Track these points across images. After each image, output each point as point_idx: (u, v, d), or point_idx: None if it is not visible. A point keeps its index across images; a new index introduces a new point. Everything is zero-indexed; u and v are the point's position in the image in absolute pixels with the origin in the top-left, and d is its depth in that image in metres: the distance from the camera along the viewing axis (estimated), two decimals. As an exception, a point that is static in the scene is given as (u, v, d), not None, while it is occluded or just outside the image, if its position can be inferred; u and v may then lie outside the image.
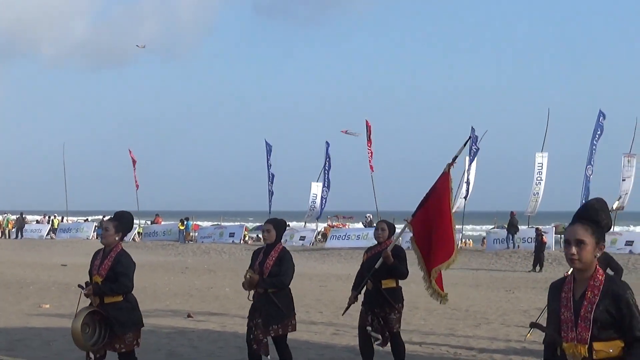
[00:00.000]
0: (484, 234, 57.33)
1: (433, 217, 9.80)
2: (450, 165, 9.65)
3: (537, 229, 36.91)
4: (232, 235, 49.80)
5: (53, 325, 15.35)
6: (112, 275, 8.52)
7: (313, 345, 13.39)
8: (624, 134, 45.41)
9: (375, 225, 10.99)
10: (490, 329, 15.68)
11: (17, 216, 59.60)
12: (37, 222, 63.16)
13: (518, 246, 39.99)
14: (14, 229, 58.21)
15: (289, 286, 9.68)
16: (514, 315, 18.08)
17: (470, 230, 69.19)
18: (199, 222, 60.55)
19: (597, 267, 5.03)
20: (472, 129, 44.31)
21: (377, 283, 10.13)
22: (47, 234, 57.03)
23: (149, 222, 59.45)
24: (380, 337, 10.22)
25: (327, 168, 49.99)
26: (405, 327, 15.88)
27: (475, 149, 44.53)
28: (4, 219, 60.24)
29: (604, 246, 5.11)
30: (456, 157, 9.65)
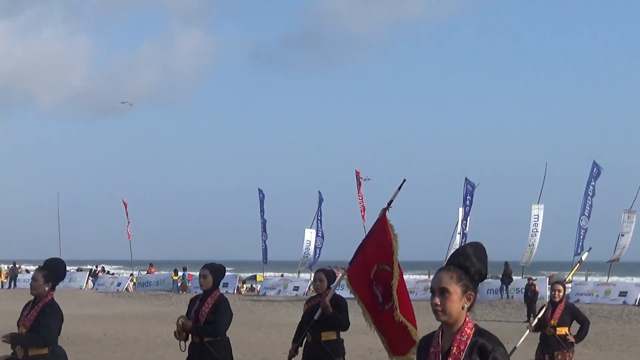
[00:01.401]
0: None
1: (373, 266, 8.97)
2: (385, 209, 9.07)
3: (528, 279, 36.92)
4: (225, 285, 49.59)
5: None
6: (36, 326, 8.16)
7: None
8: (625, 189, 45.71)
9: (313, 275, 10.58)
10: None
11: (10, 265, 59.42)
12: (27, 271, 62.97)
13: (512, 296, 39.93)
14: (6, 279, 58.00)
15: (227, 336, 9.36)
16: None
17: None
18: (192, 272, 60.35)
19: (467, 319, 4.55)
20: (466, 179, 44.51)
21: (317, 335, 9.65)
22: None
23: (143, 272, 59.31)
24: None
25: (319, 217, 50.05)
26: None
27: (469, 200, 44.66)
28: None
29: (474, 296, 4.55)
30: (391, 201, 9.13)
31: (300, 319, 10.23)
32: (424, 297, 41.64)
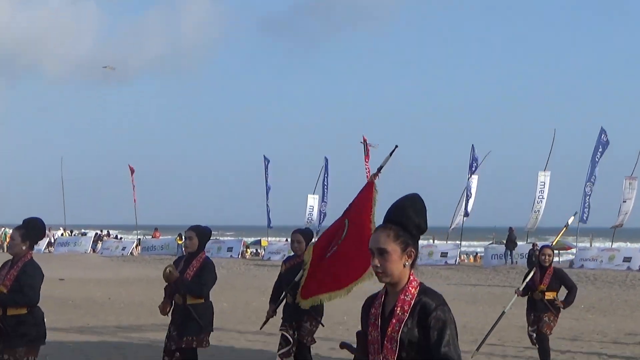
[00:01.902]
0: (479, 249, 57.41)
1: (344, 220, 8.71)
2: (375, 175, 8.79)
3: (533, 244, 36.87)
4: (230, 249, 49.78)
5: (49, 339, 15.21)
6: (17, 286, 8.03)
7: None
8: (627, 156, 45.66)
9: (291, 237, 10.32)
10: (487, 346, 15.64)
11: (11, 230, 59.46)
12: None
13: (516, 262, 39.99)
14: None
15: (210, 300, 9.36)
16: (511, 331, 18.05)
17: (466, 247, 69.09)
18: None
19: (412, 278, 4.25)
20: (472, 147, 44.48)
21: (297, 296, 9.30)
22: (45, 247, 56.95)
23: (148, 236, 59.48)
24: (290, 343, 9.95)
25: (325, 184, 50.07)
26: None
27: (475, 167, 44.64)
28: (2, 233, 60.15)
29: (415, 253, 4.26)
30: (381, 167, 8.83)
31: (276, 279, 10.20)
32: (428, 262, 41.79)
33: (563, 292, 12.53)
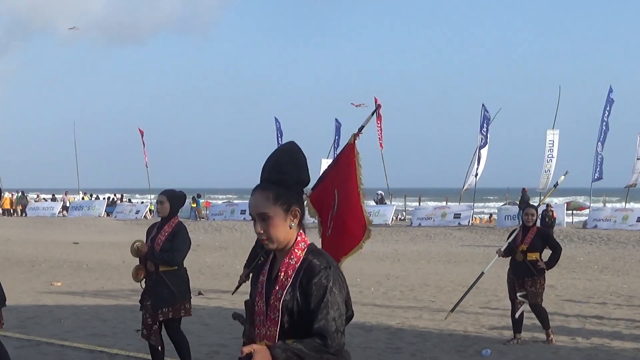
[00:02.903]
0: (493, 210, 57.30)
1: (334, 191, 8.36)
2: (355, 135, 8.46)
3: (547, 205, 36.76)
4: (243, 212, 49.78)
5: (64, 303, 15.44)
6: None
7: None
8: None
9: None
10: (500, 306, 15.68)
11: (19, 194, 59.94)
12: (45, 199, 63.43)
13: (529, 223, 39.83)
14: (15, 208, 58.61)
15: (185, 267, 9.00)
16: (525, 292, 18.04)
17: (480, 207, 69.05)
18: (210, 200, 60.70)
19: (300, 239, 3.80)
20: (483, 106, 44.27)
21: None
22: (59, 212, 57.20)
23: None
24: None
25: (336, 146, 49.98)
26: (415, 304, 15.96)
27: (486, 127, 44.45)
28: (15, 197, 60.42)
29: (300, 211, 3.79)
30: (362, 127, 8.52)
31: (255, 243, 9.74)
32: (442, 224, 41.82)
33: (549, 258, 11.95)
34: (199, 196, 52.87)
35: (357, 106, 50.34)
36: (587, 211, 45.03)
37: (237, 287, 10.06)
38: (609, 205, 47.87)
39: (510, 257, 12.06)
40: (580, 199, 51.05)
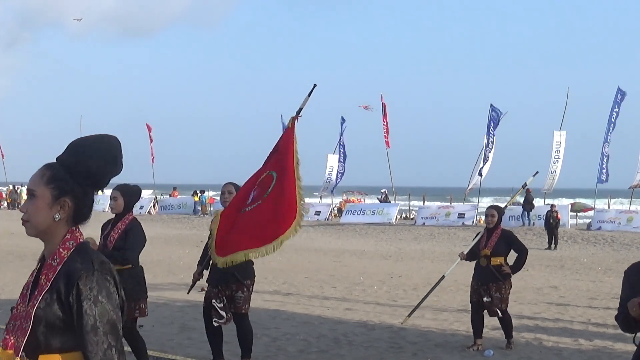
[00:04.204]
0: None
1: (272, 174, 8.14)
2: (294, 118, 8.16)
3: (551, 206, 36.70)
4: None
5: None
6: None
7: (326, 320, 13.41)
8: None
9: (223, 190, 9.31)
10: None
11: (10, 188, 60.19)
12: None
13: (533, 223, 39.87)
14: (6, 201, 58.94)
15: (141, 265, 8.60)
16: (527, 292, 18.05)
17: (484, 208, 68.95)
18: (215, 196, 60.60)
19: (69, 236, 3.23)
20: (492, 106, 44.22)
21: (212, 255, 8.52)
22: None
23: (166, 195, 59.69)
24: (223, 318, 9.04)
25: (342, 144, 49.99)
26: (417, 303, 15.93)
27: (493, 127, 44.40)
28: (19, 191, 60.46)
29: (71, 204, 3.22)
30: (301, 109, 8.18)
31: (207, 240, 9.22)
32: (446, 223, 41.81)
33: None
34: (202, 192, 52.88)
35: (364, 108, 50.30)
36: (591, 212, 44.99)
37: (192, 286, 9.54)
38: (613, 206, 47.75)
39: (474, 262, 11.38)
40: (585, 200, 50.96)
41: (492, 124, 44.18)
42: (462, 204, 47.51)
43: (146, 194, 75.37)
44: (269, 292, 17.36)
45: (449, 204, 49.11)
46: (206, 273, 9.41)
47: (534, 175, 13.97)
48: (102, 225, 8.73)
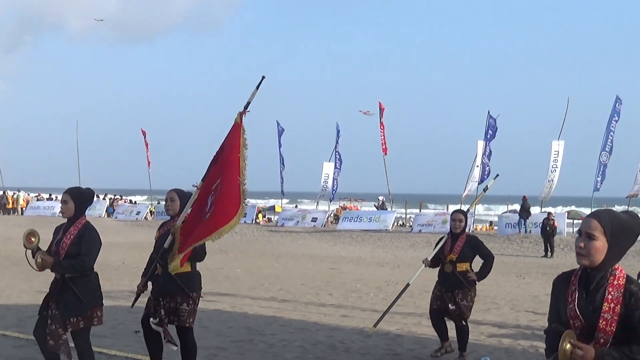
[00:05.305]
0: (493, 218, 57.27)
1: (221, 172, 7.87)
2: (242, 113, 7.83)
3: (548, 214, 36.69)
4: (243, 215, 49.70)
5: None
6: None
7: (322, 327, 13.39)
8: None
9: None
10: (500, 314, 15.67)
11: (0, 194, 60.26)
12: (50, 198, 63.44)
13: (530, 231, 39.89)
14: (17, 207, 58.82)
15: (95, 271, 8.18)
16: (524, 300, 18.05)
17: (480, 215, 69.01)
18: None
19: None
20: (489, 112, 44.28)
21: (171, 264, 8.04)
22: (59, 212, 57.13)
23: (162, 202, 59.68)
24: (160, 323, 8.39)
25: (337, 150, 50.00)
26: (414, 310, 15.93)
27: (490, 133, 44.43)
28: (15, 196, 60.43)
29: None
30: (248, 103, 7.87)
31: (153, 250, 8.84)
32: (442, 230, 41.77)
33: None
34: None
35: (364, 113, 50.32)
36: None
37: (136, 299, 8.88)
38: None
39: (438, 268, 11.09)
40: (582, 209, 51.01)
41: (489, 129, 44.24)
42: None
43: (142, 199, 75.47)
44: (265, 298, 17.36)
45: (445, 211, 49.06)
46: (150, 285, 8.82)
47: (494, 178, 13.81)
48: (55, 230, 8.33)
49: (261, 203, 68.95)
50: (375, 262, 28.31)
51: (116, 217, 53.91)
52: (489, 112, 44.28)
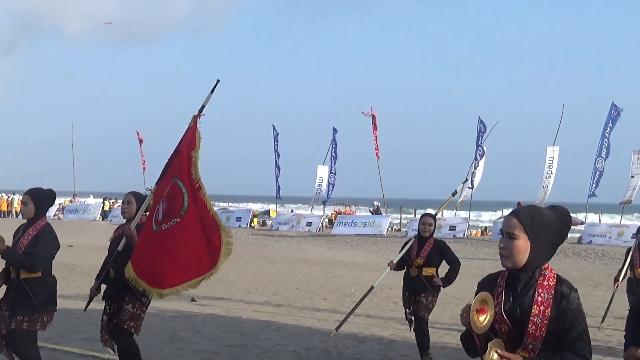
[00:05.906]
0: (487, 224, 57.29)
1: (176, 181, 7.62)
2: (196, 117, 7.68)
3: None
4: (238, 219, 49.75)
5: (57, 307, 15.36)
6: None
7: (316, 331, 13.39)
8: (636, 130, 45.82)
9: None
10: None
11: None
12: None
13: (524, 237, 39.82)
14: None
15: (53, 275, 8.14)
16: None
17: (475, 220, 69.07)
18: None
19: None
20: (479, 119, 44.31)
21: (121, 270, 7.79)
22: (54, 214, 57.08)
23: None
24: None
25: (333, 154, 49.94)
26: (409, 315, 15.92)
27: (482, 140, 44.47)
28: (10, 199, 60.28)
29: None
30: (203, 106, 7.71)
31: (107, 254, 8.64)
32: (437, 236, 41.62)
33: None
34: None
35: (367, 116, 50.12)
36: (582, 226, 45.07)
37: (88, 303, 8.71)
38: (604, 220, 47.82)
39: (404, 272, 10.97)
40: (577, 214, 50.99)
41: (480, 136, 44.31)
42: (453, 216, 47.52)
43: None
44: (260, 303, 17.35)
45: (440, 215, 49.08)
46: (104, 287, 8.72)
47: (463, 183, 13.73)
48: (15, 231, 8.26)
49: (256, 207, 68.82)
50: (370, 267, 28.31)
51: (111, 221, 53.84)
52: (479, 118, 44.36)
